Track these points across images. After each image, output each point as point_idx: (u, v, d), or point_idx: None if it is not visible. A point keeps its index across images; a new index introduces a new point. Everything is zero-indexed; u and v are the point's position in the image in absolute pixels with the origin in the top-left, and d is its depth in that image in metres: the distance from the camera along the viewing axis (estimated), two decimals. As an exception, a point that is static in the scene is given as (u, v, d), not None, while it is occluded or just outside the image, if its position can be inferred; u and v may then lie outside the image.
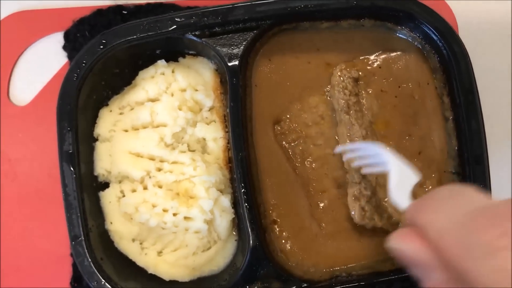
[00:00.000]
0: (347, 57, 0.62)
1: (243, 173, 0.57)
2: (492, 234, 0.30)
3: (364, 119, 0.60)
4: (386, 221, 0.59)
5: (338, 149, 0.60)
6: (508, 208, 0.31)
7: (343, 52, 0.62)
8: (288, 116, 0.62)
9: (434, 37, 0.59)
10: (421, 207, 0.37)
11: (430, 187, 0.61)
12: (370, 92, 0.62)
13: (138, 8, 0.67)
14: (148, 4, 0.67)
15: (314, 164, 0.61)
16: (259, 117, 0.62)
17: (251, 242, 0.56)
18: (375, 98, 0.62)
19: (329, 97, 0.62)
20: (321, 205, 0.61)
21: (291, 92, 0.62)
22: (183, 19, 0.58)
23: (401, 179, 0.48)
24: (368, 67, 0.62)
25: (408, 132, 0.61)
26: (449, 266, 0.33)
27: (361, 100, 0.62)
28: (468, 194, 0.35)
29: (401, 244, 0.37)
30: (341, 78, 0.60)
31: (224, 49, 0.59)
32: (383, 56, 0.63)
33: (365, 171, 0.56)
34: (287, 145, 0.62)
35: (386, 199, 0.60)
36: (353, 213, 0.58)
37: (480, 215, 0.32)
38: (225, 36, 0.59)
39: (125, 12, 0.67)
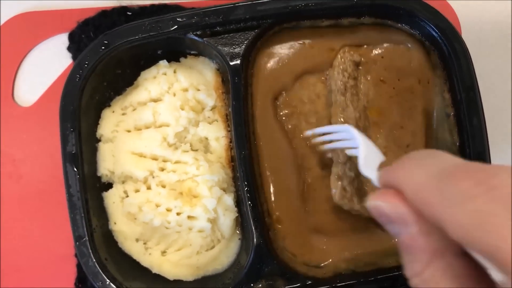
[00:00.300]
0: (352, 43, 0.63)
1: (246, 172, 0.57)
2: (468, 183, 0.30)
3: (359, 103, 0.60)
4: (363, 204, 0.59)
5: (308, 132, 0.60)
6: (482, 164, 0.32)
7: (347, 40, 0.62)
8: (285, 91, 0.62)
9: (434, 34, 0.59)
10: (394, 169, 0.38)
11: None
12: (368, 78, 0.62)
13: (143, 9, 0.67)
14: (153, 6, 0.68)
15: (303, 142, 0.62)
16: (259, 93, 0.62)
17: (255, 240, 0.57)
18: (373, 85, 0.62)
19: (328, 78, 0.62)
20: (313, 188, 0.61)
21: (293, 71, 0.62)
22: (184, 19, 0.59)
23: (369, 155, 0.49)
24: (371, 55, 0.62)
25: (401, 124, 0.61)
26: (423, 219, 0.34)
27: (359, 85, 0.61)
28: (442, 155, 0.36)
29: (377, 201, 0.37)
30: (343, 60, 0.60)
31: (226, 49, 0.59)
32: (387, 46, 0.62)
33: (333, 146, 0.56)
34: (283, 119, 0.62)
35: (368, 184, 0.60)
36: (334, 191, 0.58)
37: (456, 169, 0.32)
38: (227, 35, 0.59)
39: (130, 13, 0.67)
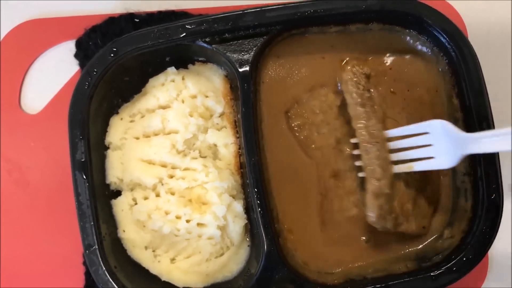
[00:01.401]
0: (360, 55, 0.63)
1: (256, 178, 0.57)
2: None
3: (378, 114, 0.60)
4: (395, 221, 0.59)
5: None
6: None
7: (357, 50, 0.62)
8: (297, 102, 0.62)
9: (442, 39, 0.59)
10: None
11: None
12: (380, 89, 0.62)
13: (150, 16, 0.67)
14: (160, 12, 0.68)
15: (316, 152, 0.62)
16: (269, 107, 0.62)
17: (265, 247, 0.56)
18: (385, 97, 0.62)
19: (343, 92, 0.61)
20: (327, 198, 0.61)
21: (303, 83, 0.62)
22: (193, 26, 0.59)
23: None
24: (380, 67, 0.62)
25: None
26: None
27: (373, 96, 0.61)
28: None
29: None
30: (354, 73, 0.60)
31: (235, 55, 0.59)
32: (394, 57, 0.63)
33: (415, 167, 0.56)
34: (295, 130, 0.62)
35: (397, 199, 0.59)
36: (370, 210, 0.57)
37: None
38: (235, 42, 0.59)
39: (137, 20, 0.67)
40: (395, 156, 0.58)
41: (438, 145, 0.54)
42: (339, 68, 0.62)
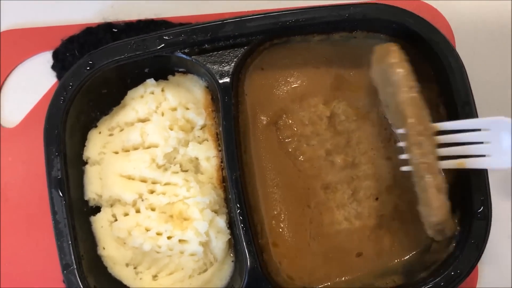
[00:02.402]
0: (351, 64, 0.61)
1: (238, 193, 0.56)
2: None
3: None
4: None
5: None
6: None
7: (343, 58, 0.61)
8: (285, 113, 0.61)
9: (428, 47, 0.58)
10: None
11: None
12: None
13: (129, 25, 0.65)
14: (139, 21, 0.66)
15: (306, 164, 0.60)
16: (255, 119, 0.61)
17: (248, 263, 0.55)
18: None
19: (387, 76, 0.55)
20: (312, 206, 0.60)
21: (290, 93, 0.61)
22: (171, 37, 0.57)
23: None
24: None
25: None
26: None
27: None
28: None
29: None
30: (400, 59, 0.54)
31: (215, 67, 0.58)
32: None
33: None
34: (283, 141, 0.61)
35: None
36: (438, 210, 0.51)
37: None
38: (215, 53, 0.58)
39: (115, 30, 0.65)
40: (441, 151, 0.53)
41: (497, 143, 0.51)
42: (326, 76, 0.61)
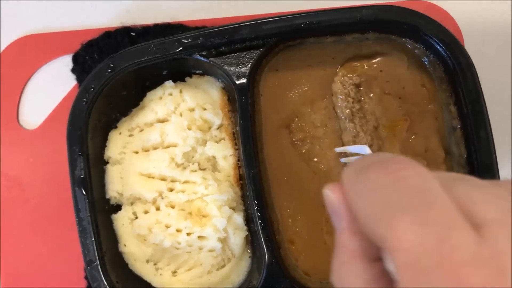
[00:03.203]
0: (353, 62, 0.63)
1: (255, 191, 0.57)
2: (378, 173, 0.30)
3: (368, 125, 0.61)
4: None
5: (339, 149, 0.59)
6: (403, 157, 0.31)
7: (354, 59, 0.63)
8: (297, 116, 0.62)
9: (439, 48, 0.59)
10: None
11: None
12: (371, 96, 0.62)
13: (146, 29, 0.67)
14: (156, 25, 0.67)
15: (319, 165, 0.62)
16: (269, 121, 0.62)
17: (266, 259, 0.57)
18: (378, 101, 0.62)
19: (333, 107, 0.62)
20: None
21: (303, 96, 0.63)
22: (189, 40, 0.59)
23: None
24: (370, 72, 0.62)
25: (414, 131, 0.62)
26: (352, 215, 0.33)
27: (364, 106, 0.62)
28: (385, 154, 0.35)
29: (325, 190, 0.36)
30: (343, 85, 0.61)
31: (232, 68, 0.59)
32: (383, 59, 0.63)
33: None
34: (297, 144, 0.62)
35: None
36: None
37: (376, 161, 0.31)
38: (232, 55, 0.60)
39: (133, 34, 0.67)
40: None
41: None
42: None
